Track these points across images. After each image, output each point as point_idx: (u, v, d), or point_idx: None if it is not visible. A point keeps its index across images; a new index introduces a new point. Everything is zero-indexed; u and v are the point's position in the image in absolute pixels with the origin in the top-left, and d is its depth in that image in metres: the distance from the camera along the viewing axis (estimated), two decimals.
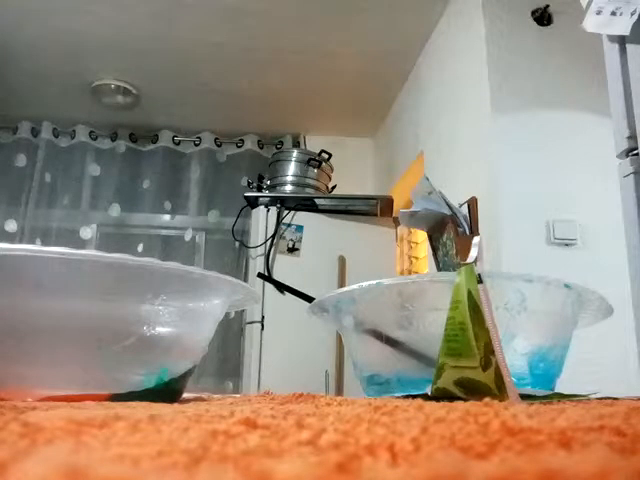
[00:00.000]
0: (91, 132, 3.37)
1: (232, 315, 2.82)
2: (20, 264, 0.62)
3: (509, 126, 1.85)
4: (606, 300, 0.84)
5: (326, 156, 2.79)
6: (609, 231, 1.70)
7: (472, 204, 1.90)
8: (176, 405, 0.59)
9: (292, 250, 2.53)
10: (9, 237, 3.12)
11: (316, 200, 2.64)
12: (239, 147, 3.43)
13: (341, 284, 2.45)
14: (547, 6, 1.94)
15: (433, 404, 0.45)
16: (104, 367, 0.66)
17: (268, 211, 2.55)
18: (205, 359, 0.87)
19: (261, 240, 2.51)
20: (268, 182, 2.78)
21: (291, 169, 2.77)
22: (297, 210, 2.57)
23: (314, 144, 3.19)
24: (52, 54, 2.72)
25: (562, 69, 1.90)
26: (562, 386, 0.81)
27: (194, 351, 0.78)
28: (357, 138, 3.50)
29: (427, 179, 1.98)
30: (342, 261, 2.53)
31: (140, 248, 3.24)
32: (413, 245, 2.82)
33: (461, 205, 1.95)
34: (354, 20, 2.45)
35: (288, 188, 2.73)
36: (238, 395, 0.97)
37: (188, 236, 3.28)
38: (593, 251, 1.74)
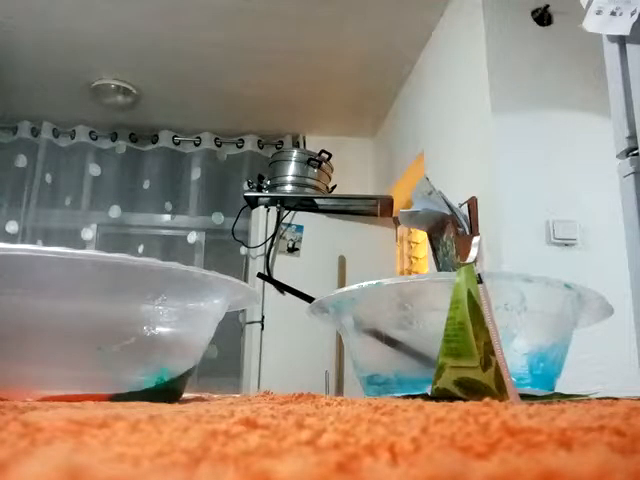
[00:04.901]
0: (91, 132, 3.37)
1: (240, 317, 2.81)
2: (20, 264, 0.63)
3: (509, 126, 1.85)
4: (606, 300, 0.84)
5: (326, 156, 2.79)
6: (609, 231, 1.70)
7: (472, 204, 1.90)
8: (176, 405, 0.59)
9: (292, 250, 2.52)
10: (10, 238, 3.11)
11: (316, 200, 2.64)
12: (239, 147, 3.43)
13: (341, 284, 2.45)
14: (547, 6, 1.94)
15: (433, 404, 0.45)
16: (104, 367, 0.66)
17: (268, 211, 2.55)
18: (205, 359, 0.87)
19: (261, 240, 2.51)
20: (268, 182, 2.78)
21: (291, 169, 2.77)
22: (297, 210, 2.57)
23: (314, 144, 3.19)
24: (52, 54, 2.72)
25: (562, 69, 1.90)
26: (563, 386, 0.81)
27: (194, 351, 0.78)
28: (357, 138, 3.50)
29: (427, 179, 1.98)
30: (342, 261, 2.53)
31: (141, 249, 3.24)
32: (413, 245, 2.82)
33: (461, 205, 1.95)
34: (354, 20, 2.45)
35: (288, 188, 2.73)
36: (238, 395, 0.97)
37: (192, 238, 3.28)
38: (593, 251, 1.74)
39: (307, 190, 2.73)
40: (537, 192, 1.78)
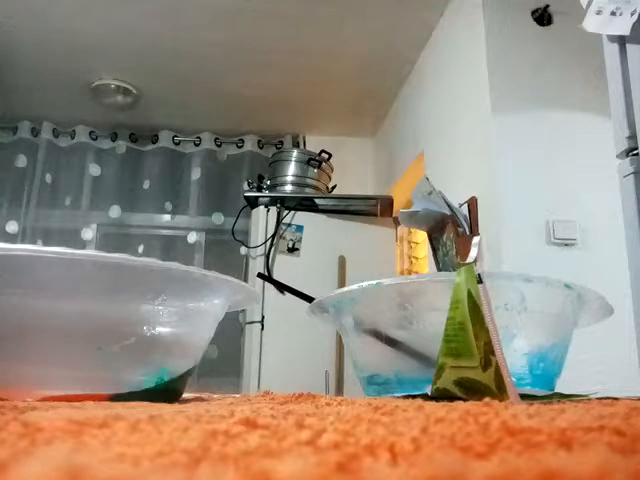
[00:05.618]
0: (91, 132, 3.37)
1: (240, 317, 2.81)
2: (20, 264, 0.62)
3: (509, 126, 1.85)
4: (606, 300, 0.84)
5: (326, 156, 2.79)
6: (609, 231, 1.70)
7: (472, 204, 1.90)
8: (176, 405, 0.59)
9: (292, 250, 2.52)
10: (10, 238, 3.11)
11: (316, 200, 2.64)
12: (239, 147, 3.43)
13: (341, 284, 2.45)
14: (547, 6, 1.94)
15: (433, 404, 0.45)
16: (104, 367, 0.66)
17: (268, 211, 2.55)
18: (205, 359, 0.87)
19: (261, 240, 2.51)
20: (268, 182, 2.78)
21: (291, 169, 2.77)
22: (297, 210, 2.57)
23: (314, 144, 3.19)
24: (52, 54, 2.72)
25: (562, 69, 1.90)
26: (563, 386, 0.81)
27: (194, 351, 0.78)
28: (357, 138, 3.50)
29: (427, 179, 1.98)
30: (342, 261, 2.53)
31: (141, 249, 3.24)
32: (413, 245, 2.82)
33: (461, 205, 1.95)
34: (354, 20, 2.45)
35: (288, 188, 2.73)
36: (238, 395, 0.97)
37: (192, 238, 3.28)
38: (593, 251, 1.74)
39: (307, 190, 2.73)
40: (537, 192, 1.78)
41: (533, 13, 1.95)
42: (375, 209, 2.68)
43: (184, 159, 3.42)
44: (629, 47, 1.04)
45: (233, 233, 2.66)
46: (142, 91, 3.03)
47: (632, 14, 1.00)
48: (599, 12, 1.02)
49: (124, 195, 3.33)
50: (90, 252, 0.66)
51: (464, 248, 1.72)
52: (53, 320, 0.64)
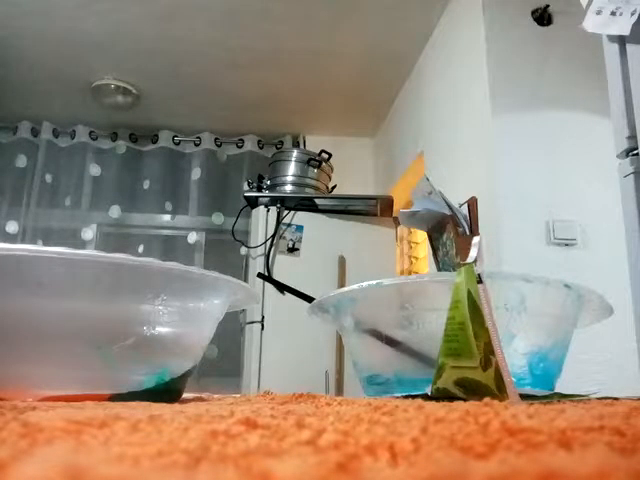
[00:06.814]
0: (91, 132, 3.37)
1: (240, 317, 2.81)
2: (20, 264, 0.62)
3: (509, 126, 1.85)
4: (606, 300, 0.84)
5: (326, 156, 2.79)
6: (609, 231, 1.70)
7: (472, 204, 1.90)
8: (176, 405, 0.59)
9: (292, 250, 2.52)
10: (10, 238, 3.12)
11: (316, 200, 2.64)
12: (239, 147, 3.43)
13: (341, 284, 2.45)
14: (547, 6, 1.94)
15: (433, 404, 0.45)
16: (104, 367, 0.66)
17: (268, 211, 2.55)
18: (205, 359, 0.88)
19: (261, 240, 2.51)
20: (268, 182, 2.78)
21: (291, 169, 2.77)
22: (297, 210, 2.57)
23: (314, 144, 3.19)
24: (52, 54, 2.72)
25: (562, 69, 1.90)
26: (563, 386, 0.81)
27: (194, 351, 0.78)
28: (357, 138, 3.50)
29: (427, 179, 1.98)
30: (342, 261, 2.53)
31: (141, 249, 3.24)
32: (413, 245, 2.82)
33: (461, 205, 1.95)
34: (354, 20, 2.45)
35: (288, 188, 2.73)
36: (238, 395, 0.97)
37: (192, 238, 3.28)
38: (593, 251, 1.74)
39: (307, 190, 2.73)
40: (537, 192, 1.78)
41: (533, 13, 1.95)
42: (375, 209, 2.68)
43: (184, 159, 3.42)
44: (629, 47, 1.04)
45: (233, 233, 2.66)
46: (142, 91, 3.03)
47: (632, 14, 1.00)
48: (599, 12, 1.02)
49: (124, 195, 3.33)
50: (90, 252, 0.66)
51: (464, 248, 1.72)
52: (53, 320, 0.64)
